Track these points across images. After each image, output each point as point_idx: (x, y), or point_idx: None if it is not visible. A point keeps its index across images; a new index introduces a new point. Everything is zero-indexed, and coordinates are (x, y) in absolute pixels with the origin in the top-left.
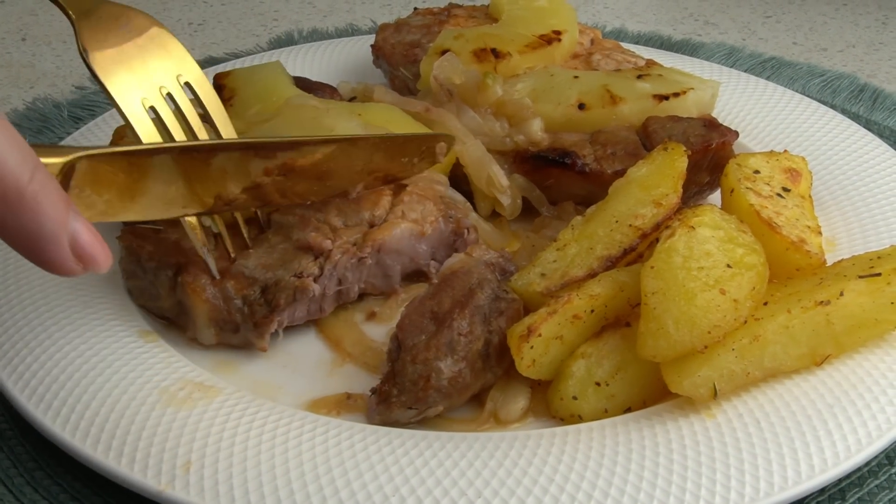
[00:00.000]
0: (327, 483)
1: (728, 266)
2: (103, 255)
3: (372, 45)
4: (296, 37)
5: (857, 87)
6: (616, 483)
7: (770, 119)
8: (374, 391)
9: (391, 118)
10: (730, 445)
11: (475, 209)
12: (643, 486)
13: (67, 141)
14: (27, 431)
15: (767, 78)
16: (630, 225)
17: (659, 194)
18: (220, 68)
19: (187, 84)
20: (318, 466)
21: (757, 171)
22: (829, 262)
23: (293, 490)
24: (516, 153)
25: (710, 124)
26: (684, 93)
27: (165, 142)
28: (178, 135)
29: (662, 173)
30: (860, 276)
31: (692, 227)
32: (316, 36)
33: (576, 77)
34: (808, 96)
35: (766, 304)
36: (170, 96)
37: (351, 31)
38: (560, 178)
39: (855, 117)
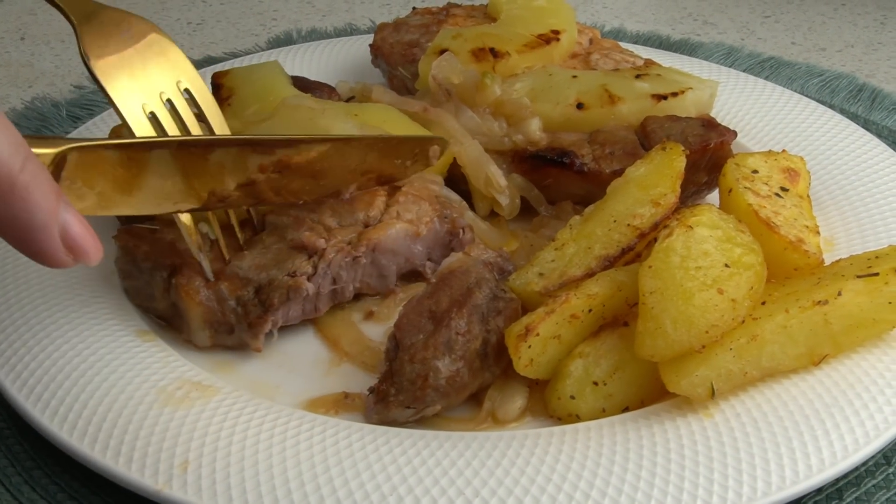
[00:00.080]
0: (325, 483)
1: (726, 266)
2: (94, 247)
3: (370, 45)
4: (294, 36)
5: (856, 87)
6: (614, 483)
7: (768, 119)
8: (371, 390)
9: (388, 118)
10: (727, 445)
11: (473, 209)
12: (641, 486)
13: None
14: (25, 431)
15: (766, 78)
16: (628, 224)
17: (657, 194)
18: (219, 68)
19: (186, 90)
20: (315, 466)
21: (755, 171)
22: (828, 262)
23: (291, 490)
24: (515, 153)
25: (709, 124)
26: (683, 92)
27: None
28: None
29: (661, 173)
30: (858, 276)
31: (690, 226)
32: (314, 35)
33: (574, 77)
34: (806, 96)
35: (763, 303)
36: (170, 102)
37: (349, 31)
38: (558, 177)
39: (853, 117)
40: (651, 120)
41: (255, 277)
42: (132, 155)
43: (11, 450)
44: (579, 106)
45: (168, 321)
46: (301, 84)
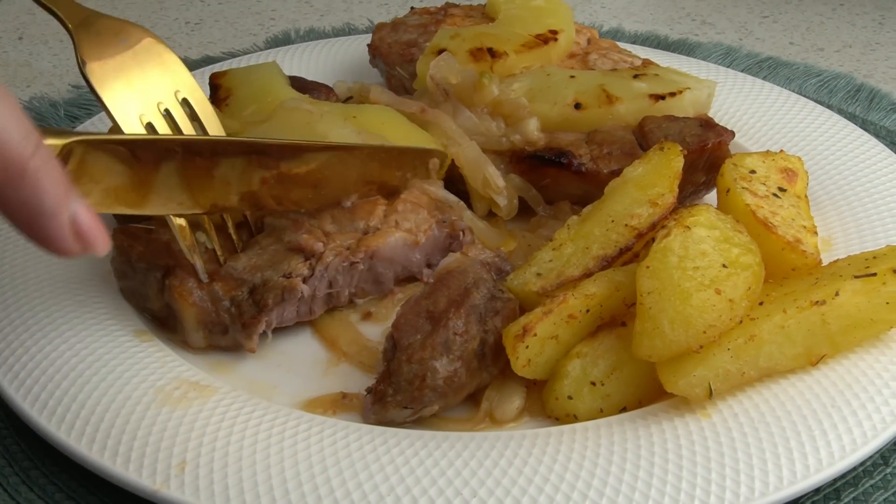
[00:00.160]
0: (322, 483)
1: (724, 266)
2: (102, 238)
3: (368, 45)
4: (293, 36)
5: (854, 87)
6: (611, 483)
7: (766, 119)
8: (369, 391)
9: (386, 120)
10: (725, 445)
11: (471, 209)
12: (638, 486)
13: None
14: (23, 431)
15: (764, 78)
16: (626, 225)
17: (655, 194)
18: (217, 67)
19: (184, 100)
20: (313, 466)
21: (753, 171)
22: (825, 262)
23: (288, 490)
24: (513, 153)
25: (707, 124)
26: (681, 92)
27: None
28: None
29: (658, 173)
30: (856, 276)
31: (688, 226)
32: (313, 35)
33: (572, 77)
34: (804, 96)
35: (761, 303)
36: (167, 112)
37: (348, 31)
38: (556, 177)
39: (851, 117)
40: (649, 120)
41: (249, 278)
42: (132, 152)
43: (9, 450)
44: (577, 106)
45: (163, 322)
46: (298, 84)
